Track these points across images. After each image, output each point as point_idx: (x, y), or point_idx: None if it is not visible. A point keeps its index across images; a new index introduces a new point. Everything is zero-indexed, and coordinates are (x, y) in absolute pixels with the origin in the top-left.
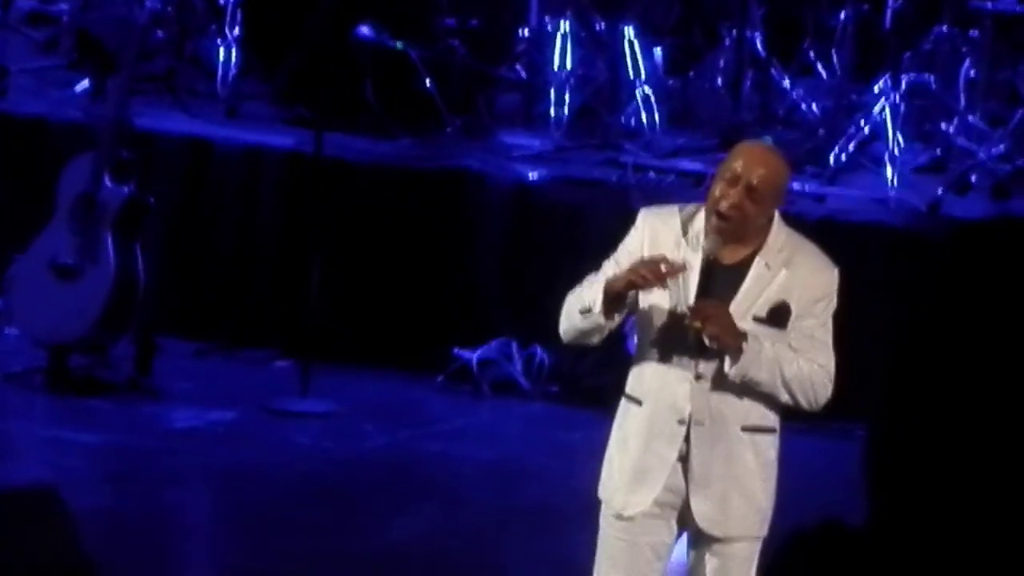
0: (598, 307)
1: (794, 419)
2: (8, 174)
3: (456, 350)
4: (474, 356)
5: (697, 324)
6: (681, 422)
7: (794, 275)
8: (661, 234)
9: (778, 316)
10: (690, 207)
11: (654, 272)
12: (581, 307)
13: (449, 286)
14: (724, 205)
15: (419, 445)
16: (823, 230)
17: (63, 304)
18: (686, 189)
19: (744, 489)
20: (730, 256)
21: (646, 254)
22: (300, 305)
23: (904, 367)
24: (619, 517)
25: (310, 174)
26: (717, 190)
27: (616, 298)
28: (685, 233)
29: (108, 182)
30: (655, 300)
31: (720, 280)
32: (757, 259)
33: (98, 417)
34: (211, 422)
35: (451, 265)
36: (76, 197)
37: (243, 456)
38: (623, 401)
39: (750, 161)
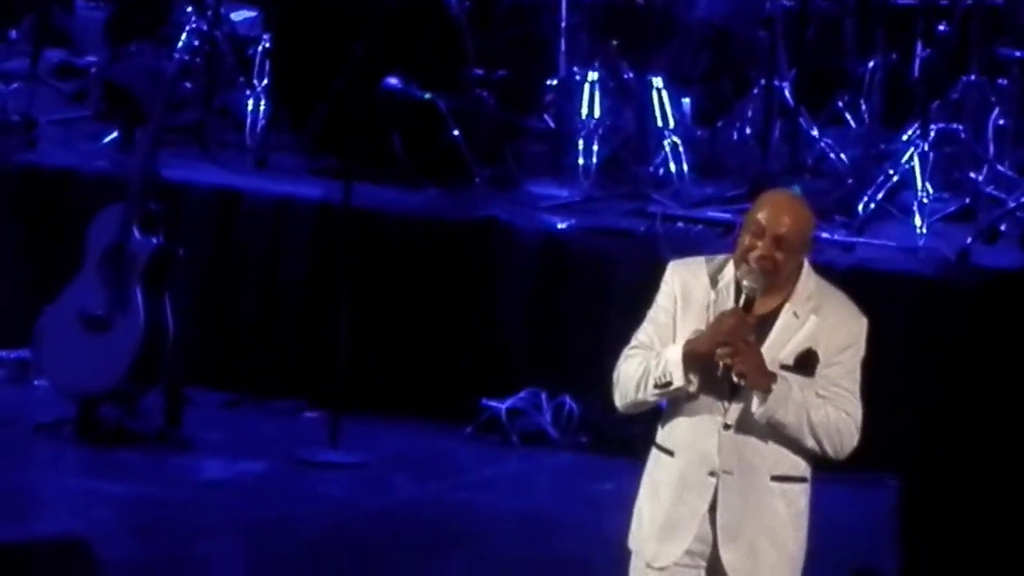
0: (679, 380)
1: (823, 469)
2: (37, 225)
3: (485, 400)
4: (503, 406)
5: (727, 360)
6: (712, 474)
7: (822, 323)
8: (691, 285)
9: (805, 364)
10: (718, 258)
11: (739, 334)
12: (656, 382)
13: (478, 336)
14: (753, 257)
15: (448, 496)
16: (852, 279)
17: (92, 355)
18: (714, 238)
19: (775, 539)
20: (760, 307)
21: (679, 306)
22: (329, 356)
23: (934, 416)
24: (649, 567)
25: (338, 225)
26: (745, 241)
27: (698, 362)
28: (715, 284)
29: (137, 233)
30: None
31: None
32: (785, 308)
33: (127, 468)
34: (240, 473)
35: (480, 315)
36: (105, 248)
37: (272, 507)
38: (654, 451)
39: (775, 211)
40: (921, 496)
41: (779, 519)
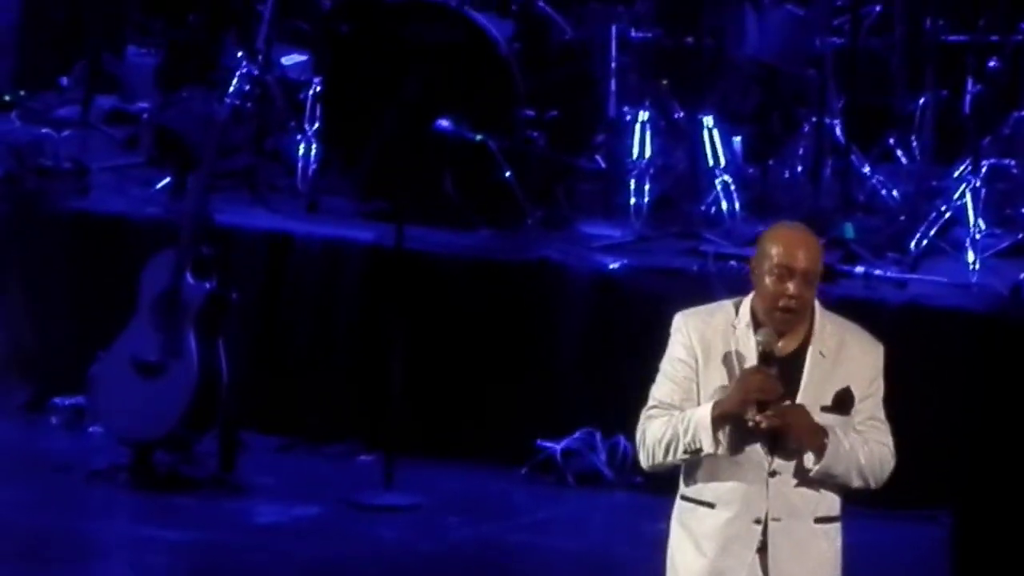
0: (709, 445)
1: (880, 505)
2: (90, 272)
3: (539, 441)
4: (558, 447)
5: (764, 424)
6: (758, 521)
7: (849, 359)
8: (707, 333)
9: (843, 403)
10: (727, 302)
11: (769, 390)
12: (686, 448)
13: (531, 377)
14: (785, 302)
15: (504, 537)
16: (905, 316)
17: (147, 401)
18: None
19: None
20: (783, 346)
21: (700, 360)
22: (382, 398)
23: (988, 452)
24: None
25: (391, 267)
26: (770, 287)
27: (727, 423)
28: (734, 331)
29: (190, 278)
30: (716, 398)
31: (778, 371)
32: (811, 348)
33: (183, 513)
34: (295, 517)
35: (533, 356)
36: (158, 294)
37: (327, 551)
38: (684, 503)
39: (791, 248)
40: (973, 532)
41: (824, 559)
